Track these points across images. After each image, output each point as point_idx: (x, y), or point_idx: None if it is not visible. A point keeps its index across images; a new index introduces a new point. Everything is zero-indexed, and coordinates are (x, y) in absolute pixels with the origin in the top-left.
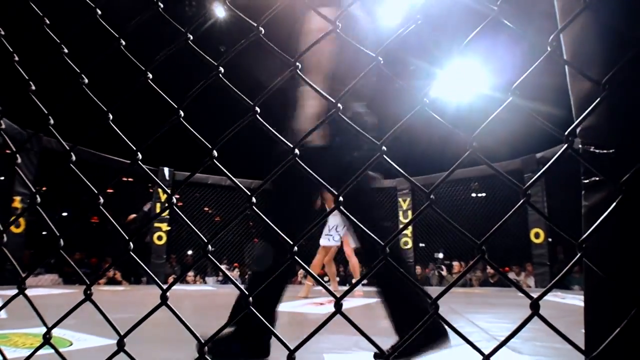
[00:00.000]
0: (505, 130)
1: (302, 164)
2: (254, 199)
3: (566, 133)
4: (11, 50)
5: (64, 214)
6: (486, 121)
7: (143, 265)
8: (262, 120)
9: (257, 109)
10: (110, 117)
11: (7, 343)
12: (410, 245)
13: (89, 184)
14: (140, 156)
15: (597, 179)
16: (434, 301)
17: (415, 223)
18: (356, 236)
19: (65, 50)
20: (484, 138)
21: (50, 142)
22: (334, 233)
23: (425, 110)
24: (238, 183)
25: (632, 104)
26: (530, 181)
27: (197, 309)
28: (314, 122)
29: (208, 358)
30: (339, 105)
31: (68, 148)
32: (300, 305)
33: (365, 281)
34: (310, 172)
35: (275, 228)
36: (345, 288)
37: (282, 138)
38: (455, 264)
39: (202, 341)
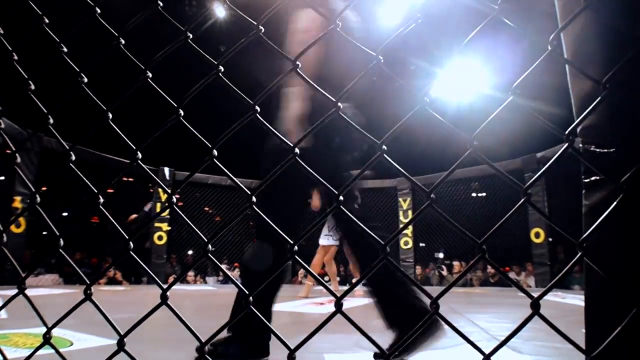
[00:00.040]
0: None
1: (302, 163)
2: (254, 199)
3: (567, 132)
4: (10, 49)
5: (64, 214)
6: (487, 120)
7: (143, 265)
8: (262, 119)
9: (257, 107)
10: (110, 116)
11: (7, 343)
12: (410, 245)
13: (88, 183)
14: (140, 155)
15: (598, 178)
16: (434, 300)
17: (415, 223)
18: (344, 238)
19: (65, 50)
20: (485, 137)
21: (50, 142)
22: (334, 233)
23: (426, 109)
24: (238, 182)
25: (632, 103)
26: (531, 180)
27: (198, 309)
28: (297, 123)
29: (208, 358)
30: (328, 105)
31: (68, 147)
32: (300, 305)
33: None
34: (311, 171)
35: (275, 227)
36: (346, 288)
37: (282, 137)
38: (456, 263)
39: (202, 341)
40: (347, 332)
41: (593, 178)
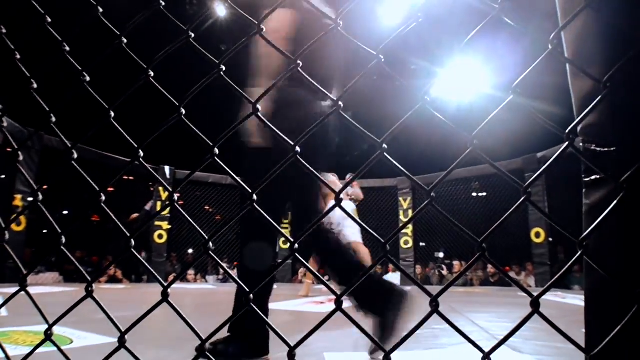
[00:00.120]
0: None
1: (303, 162)
2: (254, 197)
3: (567, 131)
4: (13, 47)
5: (65, 212)
6: (487, 119)
7: (144, 263)
8: (262, 118)
9: (259, 106)
10: (112, 115)
11: (7, 341)
12: (410, 244)
13: (90, 181)
14: (141, 154)
15: (598, 177)
16: (434, 298)
17: (415, 222)
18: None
19: (67, 48)
20: (485, 137)
21: (52, 141)
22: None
23: (426, 108)
24: (239, 180)
25: (633, 102)
26: (532, 179)
27: (198, 308)
28: (257, 122)
29: (208, 356)
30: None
31: (70, 146)
32: (300, 304)
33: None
34: (310, 169)
35: (276, 227)
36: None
37: (283, 137)
38: (456, 263)
39: (203, 338)
40: (347, 331)
41: (593, 177)
